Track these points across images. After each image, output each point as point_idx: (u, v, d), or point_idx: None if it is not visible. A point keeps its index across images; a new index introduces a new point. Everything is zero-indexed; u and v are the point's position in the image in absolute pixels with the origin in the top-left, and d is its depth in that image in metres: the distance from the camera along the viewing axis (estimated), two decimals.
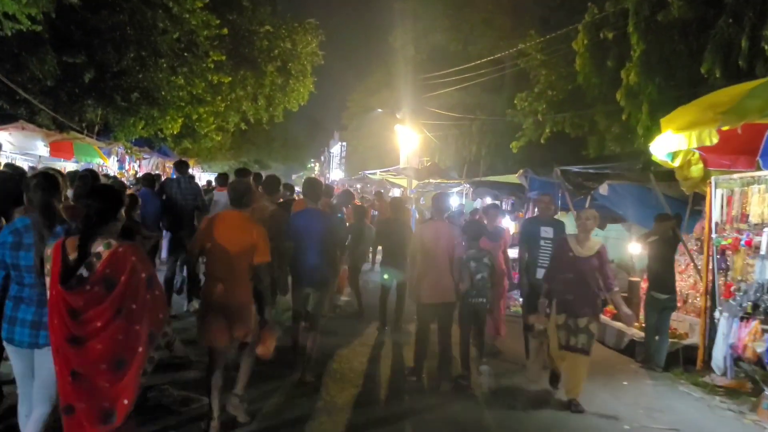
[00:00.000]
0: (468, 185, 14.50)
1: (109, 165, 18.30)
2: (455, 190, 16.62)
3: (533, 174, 11.15)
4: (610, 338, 8.42)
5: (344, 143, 64.58)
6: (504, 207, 12.77)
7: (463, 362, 6.25)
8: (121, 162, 19.62)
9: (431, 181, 18.61)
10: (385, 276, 7.78)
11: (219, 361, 4.57)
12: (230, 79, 17.56)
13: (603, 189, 8.84)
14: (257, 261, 4.52)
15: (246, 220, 4.64)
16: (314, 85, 22.82)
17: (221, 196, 9.32)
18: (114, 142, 16.96)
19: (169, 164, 28.05)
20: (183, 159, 11.55)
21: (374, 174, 27.94)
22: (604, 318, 8.24)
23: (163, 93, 15.21)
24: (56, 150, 14.25)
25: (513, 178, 13.01)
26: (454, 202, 15.94)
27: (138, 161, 21.68)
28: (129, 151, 16.95)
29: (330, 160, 79.44)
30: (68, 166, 16.10)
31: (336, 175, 64.61)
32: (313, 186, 6.35)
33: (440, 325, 6.25)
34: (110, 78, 14.34)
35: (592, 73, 15.24)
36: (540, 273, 6.69)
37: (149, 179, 9.54)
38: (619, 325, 8.05)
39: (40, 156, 13.96)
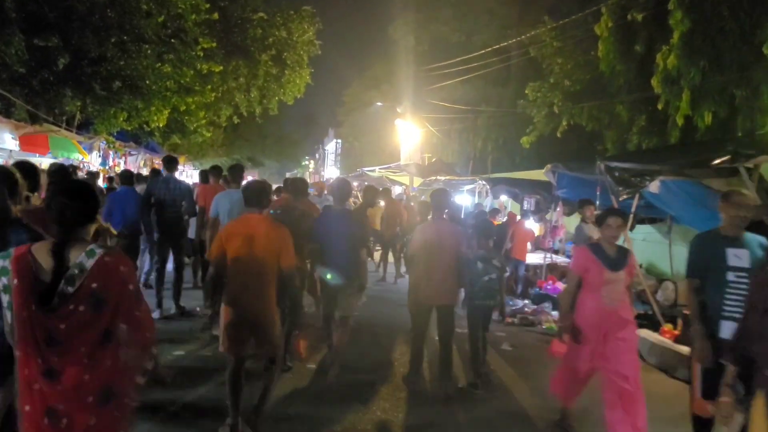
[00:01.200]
0: (483, 183, 13.17)
1: (90, 161, 16.94)
2: (467, 188, 15.29)
3: (563, 169, 9.89)
4: None
5: (339, 140, 63.29)
6: (526, 206, 11.49)
7: (474, 367, 6.07)
8: (104, 158, 18.24)
9: (439, 178, 17.30)
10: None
11: (238, 365, 4.40)
12: (221, 68, 16.18)
13: (654, 187, 7.54)
14: (285, 264, 4.32)
15: (268, 222, 4.44)
16: (311, 76, 21.43)
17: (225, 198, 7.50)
18: (95, 135, 15.59)
19: (159, 161, 26.77)
20: (171, 155, 10.58)
21: (373, 171, 26.60)
22: None
23: (147, 82, 13.83)
24: (28, 144, 12.87)
25: (535, 174, 11.75)
26: (465, 200, 14.59)
27: (123, 157, 20.28)
28: (111, 146, 15.55)
29: (325, 158, 78.15)
30: (44, 161, 14.75)
31: (331, 172, 63.27)
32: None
33: (441, 328, 5.95)
34: (88, 65, 12.96)
35: (616, 59, 14.00)
36: (727, 328, 4.12)
37: (127, 176, 8.80)
38: None
39: (10, 150, 12.58)
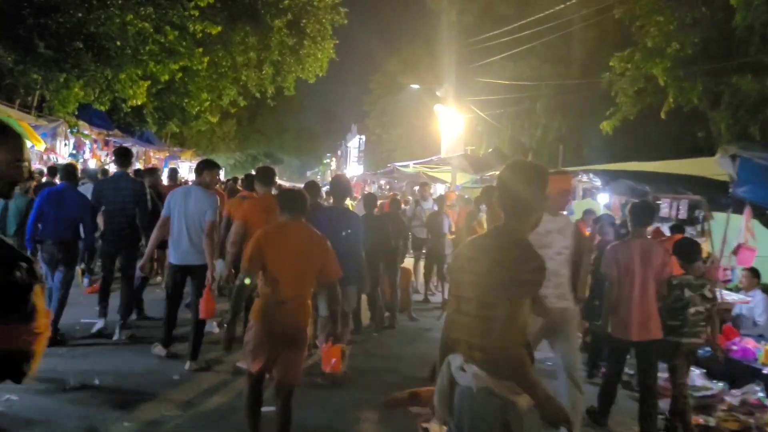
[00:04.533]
0: (593, 176, 9.18)
1: (54, 150, 13.28)
2: None
3: (754, 153, 6.01)
4: None
5: (363, 136, 59.82)
6: (669, 211, 7.58)
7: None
8: (77, 148, 14.60)
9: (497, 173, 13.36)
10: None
11: (258, 384, 4.03)
12: (219, 29, 12.37)
13: None
14: (331, 277, 4.06)
15: (309, 231, 4.12)
16: (335, 50, 17.62)
17: None
18: (58, 119, 11.95)
19: (158, 155, 23.11)
20: (124, 146, 9.32)
21: (406, 167, 22.74)
22: None
23: (118, 43, 10.10)
24: None
25: (677, 166, 7.81)
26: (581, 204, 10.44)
27: (106, 149, 16.65)
28: (75, 130, 11.86)
29: (347, 155, 74.71)
30: None
31: (354, 170, 59.69)
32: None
33: (641, 369, 4.93)
34: (30, 14, 9.25)
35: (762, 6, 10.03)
36: None
37: (70, 170, 6.93)
38: None
39: None
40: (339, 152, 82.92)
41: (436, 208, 10.26)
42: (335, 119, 74.03)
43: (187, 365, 5.58)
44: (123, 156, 6.93)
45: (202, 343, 5.75)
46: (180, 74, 12.43)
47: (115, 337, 6.34)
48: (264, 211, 5.44)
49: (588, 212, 8.56)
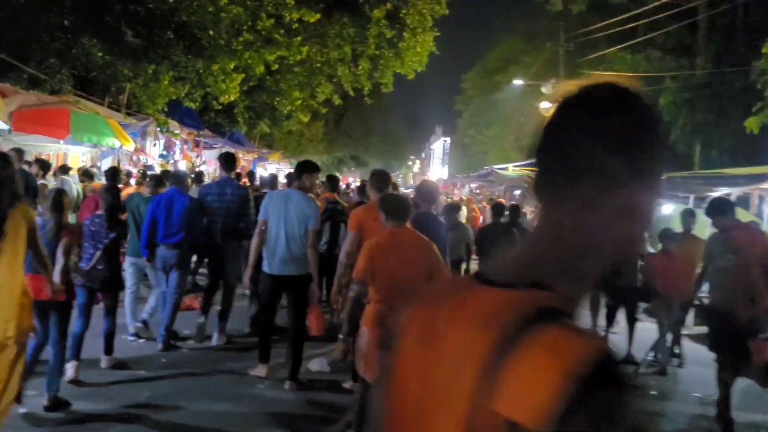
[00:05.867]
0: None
1: (144, 151, 12.57)
2: (723, 191, 9.39)
3: None
4: None
5: (448, 138, 58.39)
6: None
7: None
8: (167, 149, 13.92)
9: None
10: None
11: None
12: (318, 16, 11.25)
13: None
14: None
15: (419, 238, 4.03)
16: (434, 43, 16.28)
17: None
18: (147, 117, 11.18)
19: (247, 157, 22.50)
20: (229, 152, 8.70)
21: (504, 169, 21.04)
22: None
23: (210, 32, 9.14)
24: (27, 121, 8.54)
25: None
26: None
27: (197, 150, 16.00)
28: (164, 128, 11.03)
29: (431, 157, 73.45)
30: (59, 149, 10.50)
31: (438, 173, 58.28)
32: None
33: None
34: (118, 1, 8.40)
35: None
36: None
37: (179, 176, 6.97)
38: None
39: None
40: (423, 155, 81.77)
41: None
42: (419, 122, 72.93)
43: (287, 385, 5.19)
44: (228, 160, 6.78)
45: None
46: (275, 66, 11.39)
47: (214, 343, 6.22)
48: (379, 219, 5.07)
49: None
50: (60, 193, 4.61)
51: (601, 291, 6.58)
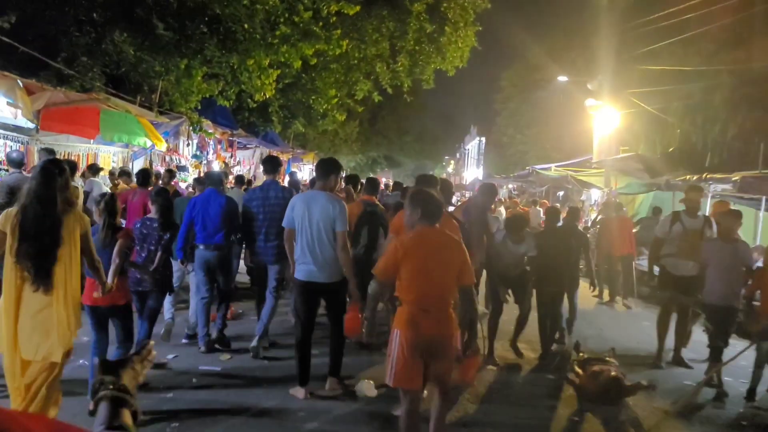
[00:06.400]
0: None
1: (177, 151, 12.16)
2: None
3: None
4: None
5: (483, 138, 57.40)
6: None
7: None
8: (201, 149, 13.50)
9: (688, 177, 10.74)
10: None
11: (415, 403, 3.88)
12: (358, 8, 10.67)
13: None
14: (466, 282, 3.92)
15: (449, 237, 3.98)
16: (476, 38, 15.57)
17: None
18: (180, 116, 10.73)
19: (282, 157, 22.09)
20: (273, 155, 9.19)
21: (547, 170, 20.19)
22: None
23: (245, 25, 8.64)
24: (54, 120, 8.15)
25: None
26: None
27: (230, 150, 15.57)
28: (197, 127, 10.57)
29: (466, 157, 72.45)
30: (88, 149, 10.10)
31: (473, 173, 57.34)
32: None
33: None
34: None
35: None
36: None
37: (215, 177, 6.86)
38: None
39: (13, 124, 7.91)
40: (457, 155, 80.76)
41: None
42: (453, 121, 71.83)
43: (328, 384, 5.16)
44: (272, 163, 6.66)
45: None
46: (314, 60, 10.83)
47: (253, 344, 6.06)
48: None
49: None
50: (112, 197, 4.57)
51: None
